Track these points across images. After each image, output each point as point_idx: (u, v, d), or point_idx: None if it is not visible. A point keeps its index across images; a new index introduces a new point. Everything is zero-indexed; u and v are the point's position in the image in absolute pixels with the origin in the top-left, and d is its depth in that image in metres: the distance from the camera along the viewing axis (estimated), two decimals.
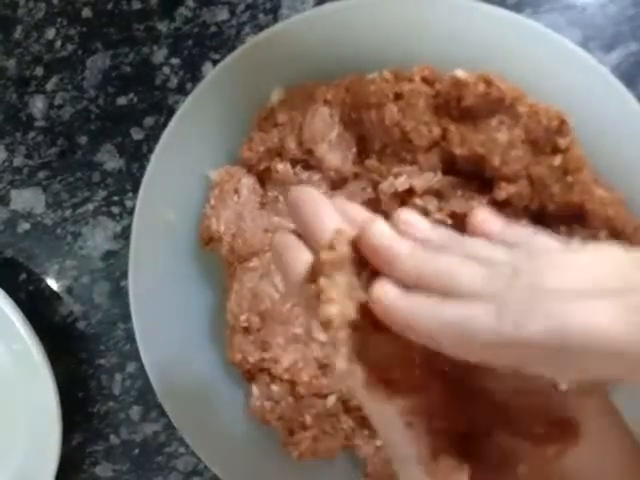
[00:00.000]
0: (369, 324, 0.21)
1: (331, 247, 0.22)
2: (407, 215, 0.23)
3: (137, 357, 0.42)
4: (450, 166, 0.36)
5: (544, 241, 0.22)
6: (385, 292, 0.21)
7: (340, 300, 0.21)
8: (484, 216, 0.24)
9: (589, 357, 0.17)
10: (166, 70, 0.44)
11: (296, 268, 0.23)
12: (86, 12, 0.45)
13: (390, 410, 0.20)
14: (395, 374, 0.21)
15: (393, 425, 0.21)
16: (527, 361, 0.19)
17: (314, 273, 0.22)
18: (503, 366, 0.19)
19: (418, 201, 0.36)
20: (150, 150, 0.43)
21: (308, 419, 0.38)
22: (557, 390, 0.20)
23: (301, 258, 0.23)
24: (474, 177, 0.36)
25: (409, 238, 0.22)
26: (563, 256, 0.20)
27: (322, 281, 0.21)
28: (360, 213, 0.25)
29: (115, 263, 0.45)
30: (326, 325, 0.21)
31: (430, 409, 0.20)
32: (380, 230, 0.22)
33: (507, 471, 0.20)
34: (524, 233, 0.23)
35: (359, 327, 0.21)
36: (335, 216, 0.23)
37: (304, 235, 0.24)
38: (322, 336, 0.36)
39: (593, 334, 0.17)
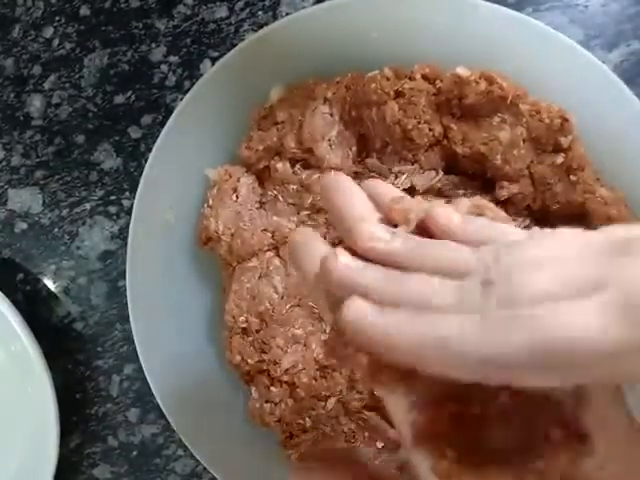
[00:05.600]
0: None
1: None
2: (369, 228, 0.21)
3: (135, 359, 0.41)
4: (452, 165, 0.36)
5: (505, 232, 0.21)
6: (356, 310, 0.19)
7: None
8: (439, 212, 0.22)
9: (576, 365, 0.17)
10: (164, 68, 0.44)
11: (312, 263, 0.23)
12: (84, 10, 0.45)
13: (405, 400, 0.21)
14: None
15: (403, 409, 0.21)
16: (515, 377, 0.18)
17: None
18: (492, 382, 0.19)
19: None
20: (148, 149, 0.43)
21: (308, 421, 0.38)
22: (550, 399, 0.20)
23: (318, 252, 0.23)
24: (476, 176, 0.36)
25: (372, 253, 0.21)
26: (528, 252, 0.20)
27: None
28: (388, 193, 0.24)
29: (112, 263, 0.45)
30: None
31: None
32: (343, 265, 0.21)
33: (524, 464, 0.20)
34: (484, 225, 0.22)
35: None
36: (365, 206, 0.23)
37: (335, 223, 0.24)
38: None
39: (573, 343, 0.17)
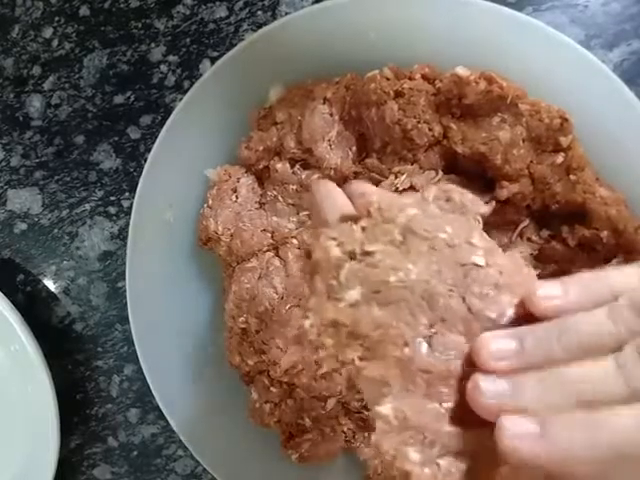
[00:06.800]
0: None
1: (308, 252, 0.22)
2: (491, 349, 0.20)
3: (135, 359, 0.41)
4: (451, 165, 0.36)
5: (616, 280, 0.21)
6: (520, 439, 0.19)
7: (317, 307, 0.22)
8: (541, 295, 0.21)
9: None
10: (164, 68, 0.44)
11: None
12: (83, 10, 0.45)
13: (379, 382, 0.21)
14: None
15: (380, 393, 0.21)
16: None
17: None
18: None
19: None
20: (147, 149, 0.43)
21: (308, 422, 0.38)
22: None
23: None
24: (476, 176, 0.36)
25: (500, 365, 0.20)
26: None
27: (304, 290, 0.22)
28: (377, 193, 0.24)
29: (112, 264, 0.45)
30: (303, 335, 0.21)
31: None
32: (491, 396, 0.20)
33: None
34: (593, 281, 0.21)
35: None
36: (338, 206, 0.24)
37: (317, 218, 0.25)
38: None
39: None
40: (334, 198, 0.25)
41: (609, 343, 0.19)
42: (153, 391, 0.41)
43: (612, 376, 0.19)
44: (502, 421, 0.19)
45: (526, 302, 0.21)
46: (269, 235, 0.39)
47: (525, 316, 0.21)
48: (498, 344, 0.20)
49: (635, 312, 0.19)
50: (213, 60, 0.43)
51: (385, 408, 0.20)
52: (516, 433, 0.19)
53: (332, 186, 0.25)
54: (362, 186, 0.25)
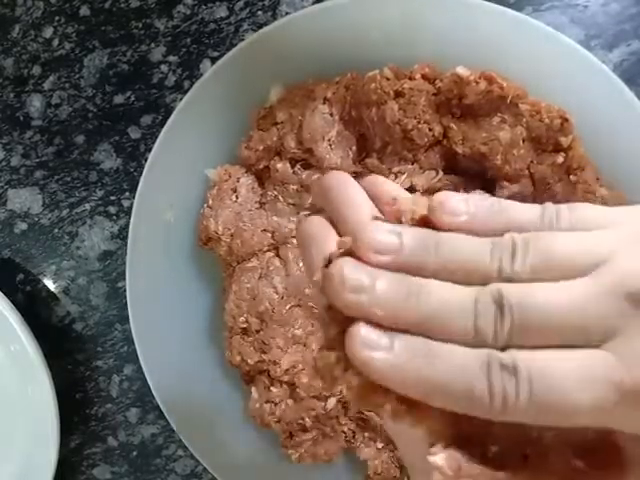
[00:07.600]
0: None
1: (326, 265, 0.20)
2: (372, 237, 0.19)
3: (135, 359, 0.41)
4: (452, 165, 0.36)
5: (516, 213, 0.20)
6: (363, 344, 0.18)
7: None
8: (439, 204, 0.20)
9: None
10: (164, 68, 0.44)
11: (320, 260, 0.21)
12: (84, 10, 0.45)
13: (415, 434, 0.19)
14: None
15: (417, 447, 0.20)
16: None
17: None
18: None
19: None
20: (147, 149, 0.43)
21: (308, 421, 0.38)
22: None
23: (328, 249, 0.21)
24: (476, 176, 0.36)
25: (379, 265, 0.19)
26: (549, 249, 0.19)
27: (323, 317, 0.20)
28: (386, 189, 0.23)
29: (112, 264, 0.45)
30: (326, 369, 0.19)
31: (457, 432, 0.19)
32: (344, 280, 0.18)
33: None
34: (493, 210, 0.20)
35: None
36: (363, 205, 0.22)
37: (336, 223, 0.23)
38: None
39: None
40: (359, 198, 0.23)
41: (479, 275, 0.19)
42: (153, 391, 0.41)
43: (464, 311, 0.18)
44: (356, 328, 0.18)
45: (429, 210, 0.20)
46: (269, 235, 0.39)
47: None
48: (380, 234, 0.19)
49: (513, 253, 0.19)
50: (213, 60, 0.43)
51: (439, 458, 0.19)
52: (368, 343, 0.18)
53: (351, 185, 0.23)
54: (381, 182, 0.23)
